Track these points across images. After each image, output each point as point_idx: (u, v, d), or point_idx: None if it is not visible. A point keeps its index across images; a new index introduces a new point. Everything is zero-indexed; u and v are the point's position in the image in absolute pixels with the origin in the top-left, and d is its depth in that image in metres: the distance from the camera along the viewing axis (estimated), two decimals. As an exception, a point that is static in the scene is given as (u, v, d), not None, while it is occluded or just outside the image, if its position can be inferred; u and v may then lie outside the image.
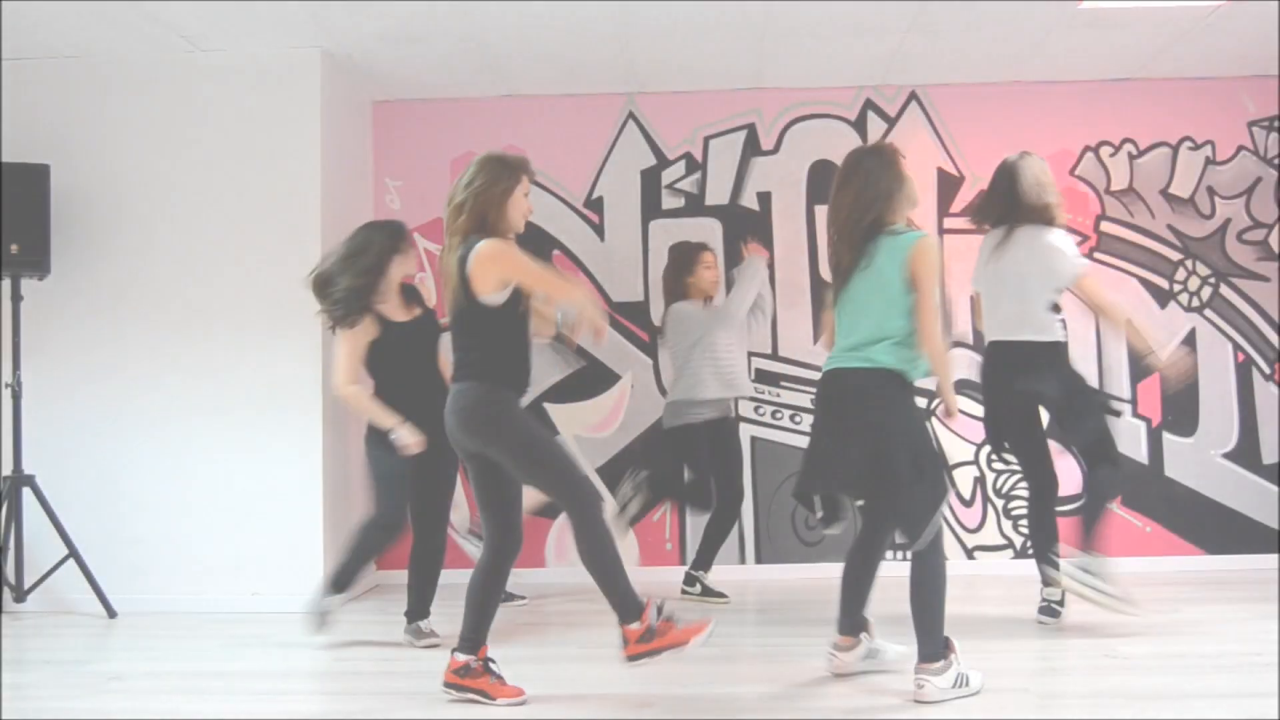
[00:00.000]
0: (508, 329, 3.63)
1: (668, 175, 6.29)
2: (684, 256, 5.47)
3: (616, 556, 3.55)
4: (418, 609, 4.58)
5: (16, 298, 5.31)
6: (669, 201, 6.29)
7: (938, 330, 3.57)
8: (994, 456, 5.95)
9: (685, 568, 5.55)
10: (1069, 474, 6.02)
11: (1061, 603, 4.56)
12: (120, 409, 5.50)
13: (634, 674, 3.64)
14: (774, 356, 6.23)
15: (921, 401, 4.00)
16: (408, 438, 4.34)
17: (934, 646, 3.56)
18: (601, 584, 3.56)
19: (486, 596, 3.67)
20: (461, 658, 3.62)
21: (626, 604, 3.52)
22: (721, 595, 5.37)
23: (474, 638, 3.63)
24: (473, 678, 3.61)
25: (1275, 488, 6.07)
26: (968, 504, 6.13)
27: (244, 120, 5.55)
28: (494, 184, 3.60)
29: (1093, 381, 6.09)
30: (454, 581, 4.42)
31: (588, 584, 3.58)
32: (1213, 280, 6.17)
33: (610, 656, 3.67)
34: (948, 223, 6.22)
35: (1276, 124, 6.19)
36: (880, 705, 3.58)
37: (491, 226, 3.60)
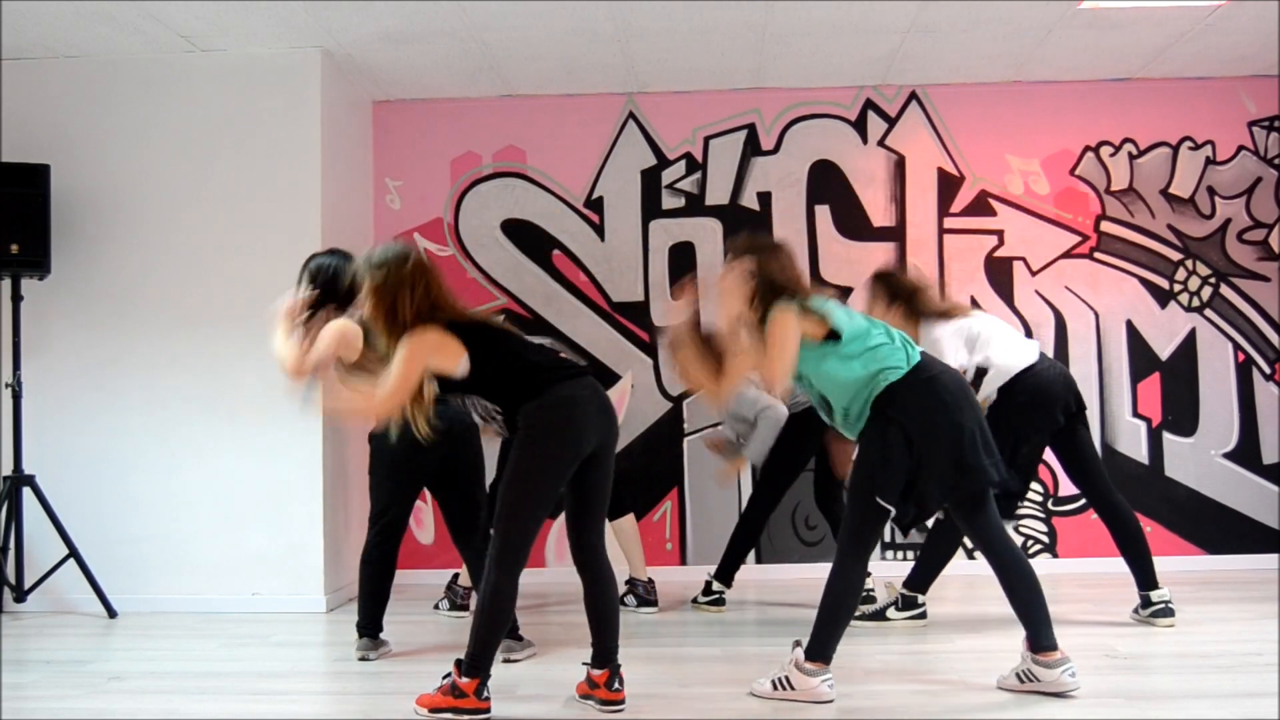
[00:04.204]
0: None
1: (668, 175, 6.29)
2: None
3: (500, 614, 3.50)
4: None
5: (16, 298, 5.31)
6: (669, 201, 6.29)
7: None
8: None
9: (685, 567, 5.53)
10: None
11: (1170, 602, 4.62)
12: (120, 409, 5.49)
13: (633, 675, 3.64)
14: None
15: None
16: None
17: (1045, 638, 3.58)
18: (474, 630, 3.51)
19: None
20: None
21: (476, 659, 3.48)
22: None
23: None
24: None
25: (1275, 488, 6.07)
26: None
27: (244, 120, 5.54)
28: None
29: (1093, 382, 6.13)
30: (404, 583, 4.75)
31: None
32: (1213, 280, 6.17)
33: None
34: (948, 222, 6.22)
35: (1276, 124, 6.19)
36: (883, 706, 3.58)
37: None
